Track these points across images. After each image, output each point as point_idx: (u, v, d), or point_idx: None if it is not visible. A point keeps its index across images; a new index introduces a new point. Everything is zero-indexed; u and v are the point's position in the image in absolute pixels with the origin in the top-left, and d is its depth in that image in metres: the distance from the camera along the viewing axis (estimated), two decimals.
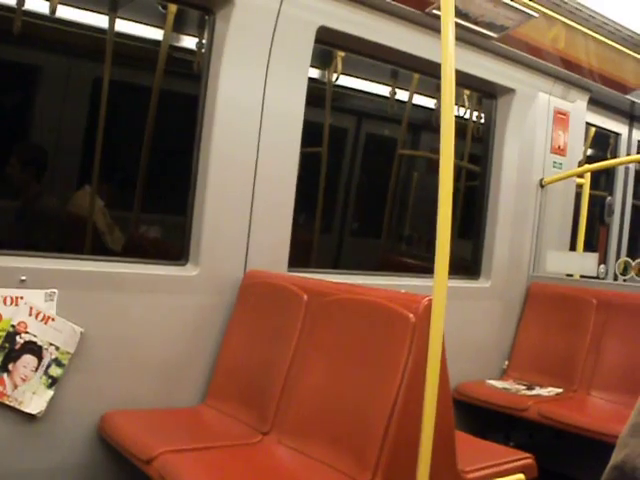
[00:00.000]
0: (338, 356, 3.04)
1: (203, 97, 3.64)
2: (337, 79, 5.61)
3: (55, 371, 3.22)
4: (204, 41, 4.45)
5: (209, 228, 3.58)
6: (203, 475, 2.71)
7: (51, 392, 3.22)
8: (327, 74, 5.75)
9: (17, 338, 3.15)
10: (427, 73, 4.90)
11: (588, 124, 5.73)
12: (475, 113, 6.02)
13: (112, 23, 4.78)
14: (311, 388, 3.06)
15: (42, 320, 3.20)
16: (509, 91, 4.83)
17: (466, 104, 5.84)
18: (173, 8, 4.65)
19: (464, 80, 4.32)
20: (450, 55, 2.54)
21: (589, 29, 4.75)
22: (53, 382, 3.22)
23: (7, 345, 3.13)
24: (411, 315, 2.79)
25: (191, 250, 3.61)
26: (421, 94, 6.50)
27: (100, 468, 3.38)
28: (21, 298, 3.15)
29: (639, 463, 1.33)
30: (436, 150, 6.78)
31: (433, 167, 7.05)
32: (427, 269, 4.31)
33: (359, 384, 2.88)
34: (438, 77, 2.60)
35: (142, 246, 5.40)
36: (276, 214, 3.77)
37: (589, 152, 6.53)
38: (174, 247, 4.17)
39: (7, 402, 3.13)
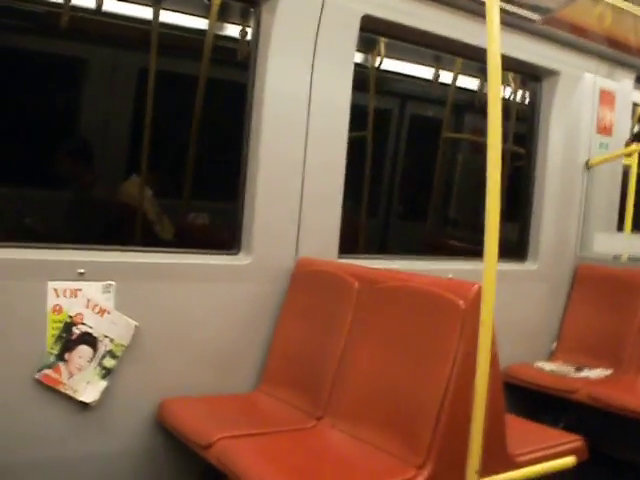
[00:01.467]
0: (390, 342, 3.07)
1: (251, 87, 3.68)
2: (381, 63, 5.62)
3: (109, 362, 3.30)
4: (247, 29, 4.51)
5: (260, 217, 3.63)
6: (261, 460, 2.76)
7: (105, 382, 3.30)
8: (370, 58, 5.76)
9: (74, 329, 3.24)
10: (471, 57, 4.89)
11: (635, 104, 5.65)
12: (519, 93, 5.99)
13: (157, 14, 4.84)
14: (363, 373, 3.10)
15: (98, 312, 3.28)
16: (554, 73, 4.79)
17: (511, 85, 5.81)
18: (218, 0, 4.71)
19: (508, 63, 4.29)
20: (495, 40, 2.54)
21: (636, 5, 4.68)
22: (107, 373, 3.30)
23: (64, 335, 3.22)
24: (461, 302, 2.82)
25: (243, 239, 3.66)
26: (464, 74, 6.46)
27: (158, 454, 3.46)
28: (79, 290, 3.25)
29: None
30: (479, 131, 6.73)
31: (477, 148, 7.02)
32: (473, 252, 4.32)
33: (411, 370, 2.92)
34: (482, 61, 2.61)
35: (191, 234, 5.48)
36: (326, 201, 3.81)
37: (636, 131, 6.43)
38: (224, 235, 4.23)
39: (63, 390, 3.22)
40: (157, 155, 5.17)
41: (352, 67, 3.86)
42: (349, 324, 3.26)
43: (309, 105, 3.71)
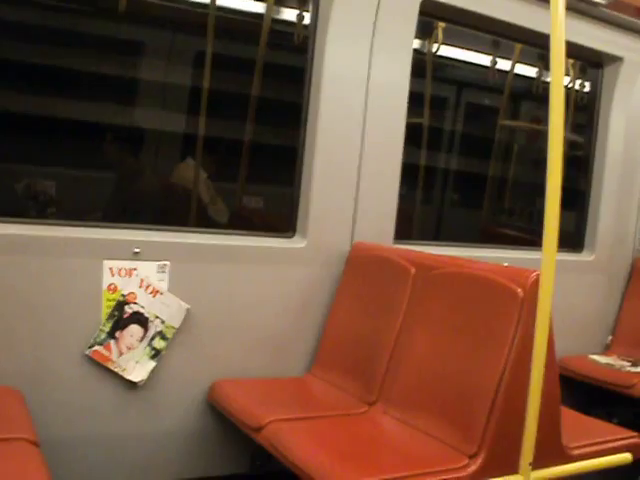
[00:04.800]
0: (445, 329, 3.04)
1: (309, 71, 3.67)
2: (438, 49, 5.55)
3: (159, 343, 3.34)
4: (304, 13, 4.49)
5: (317, 200, 3.63)
6: (312, 444, 2.75)
7: (153, 363, 3.33)
8: (427, 44, 5.69)
9: (126, 308, 3.28)
10: (531, 43, 4.80)
11: None
12: (578, 81, 5.87)
13: None
14: (418, 360, 3.08)
15: (151, 293, 3.31)
16: (616, 59, 4.68)
17: (570, 73, 5.70)
18: None
19: (570, 49, 4.19)
20: (560, 25, 2.49)
21: None
22: (156, 354, 3.34)
23: (116, 313, 3.26)
24: (519, 290, 2.78)
25: (299, 222, 3.67)
26: (523, 61, 6.36)
27: (207, 435, 3.49)
28: (134, 270, 3.28)
29: None
30: (537, 119, 6.61)
31: (534, 137, 6.91)
32: (528, 241, 4.25)
33: (466, 357, 2.89)
34: (542, 47, 2.56)
35: (246, 218, 5.49)
36: (382, 186, 3.78)
37: None
38: (278, 219, 4.24)
39: (112, 367, 3.27)
40: (213, 138, 5.18)
41: (411, 51, 3.83)
42: (404, 309, 3.23)
43: (367, 89, 3.68)
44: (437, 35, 5.30)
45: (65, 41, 5.26)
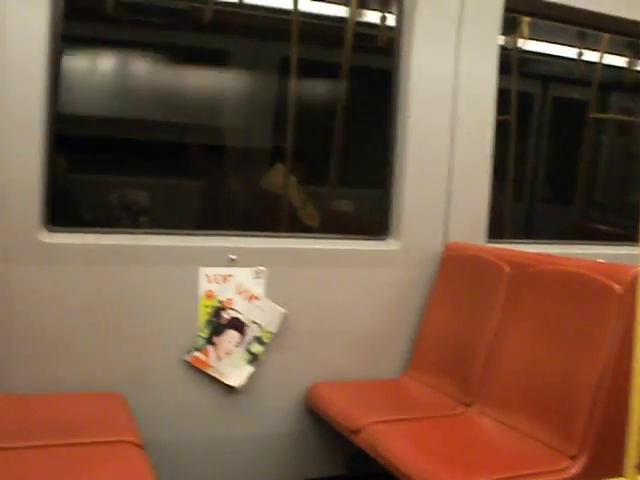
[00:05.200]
0: (542, 328, 2.99)
1: (396, 72, 3.67)
2: (524, 44, 5.49)
3: (256, 348, 3.39)
4: (387, 15, 4.49)
5: (409, 202, 3.63)
6: (411, 445, 2.75)
7: (251, 368, 3.39)
8: (513, 40, 5.63)
9: (223, 314, 3.34)
10: (621, 32, 4.68)
11: None
12: None
13: (296, 3, 4.89)
14: (514, 359, 3.04)
15: (247, 298, 3.37)
16: None
17: None
18: None
19: None
20: None
21: None
22: (254, 358, 3.39)
23: (214, 319, 3.33)
24: (617, 286, 2.71)
25: (391, 224, 3.67)
26: (610, 53, 6.22)
27: (305, 437, 3.53)
28: (230, 276, 3.34)
29: None
30: (628, 110, 6.42)
31: (625, 129, 6.72)
32: (622, 236, 4.15)
33: (564, 356, 2.83)
34: (633, 35, 2.49)
35: (336, 221, 5.52)
36: (474, 185, 3.76)
37: None
38: (369, 222, 4.25)
39: (210, 372, 3.34)
40: (301, 143, 5.22)
41: (497, 48, 3.79)
42: (500, 309, 3.19)
43: (455, 87, 3.67)
44: (522, 30, 5.24)
45: (151, 54, 5.39)
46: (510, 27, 5.32)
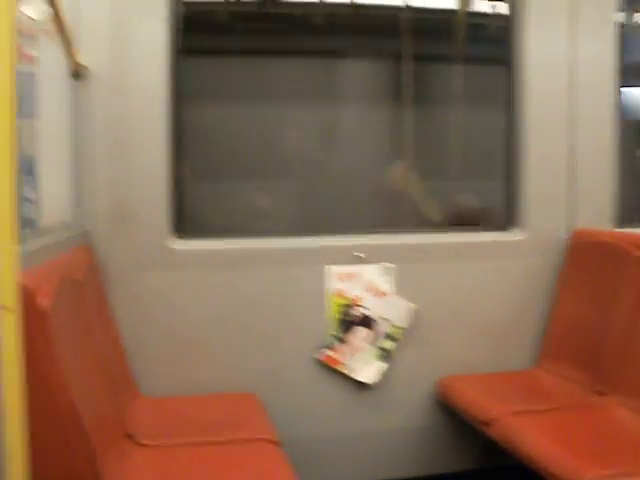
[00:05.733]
0: None
1: (512, 61, 3.65)
2: None
3: (387, 344, 3.43)
4: (495, 3, 4.43)
5: (532, 191, 3.60)
6: (544, 436, 2.71)
7: (382, 363, 3.43)
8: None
9: (352, 311, 3.40)
10: None
11: None
12: None
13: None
14: None
15: (376, 295, 3.41)
16: None
17: None
18: None
19: None
20: None
21: None
22: (385, 354, 3.43)
23: (344, 317, 3.39)
24: None
25: (515, 215, 3.65)
26: None
27: (437, 430, 3.55)
28: (358, 273, 3.40)
29: None
30: None
31: None
32: None
33: None
34: None
35: (459, 214, 5.47)
36: (598, 169, 3.66)
37: None
38: (492, 213, 4.21)
39: (341, 370, 3.40)
40: (420, 139, 5.21)
41: (613, 28, 3.69)
42: (632, 294, 3.09)
43: (571, 69, 3.61)
44: None
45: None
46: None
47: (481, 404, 3.10)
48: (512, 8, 3.67)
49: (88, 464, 1.94)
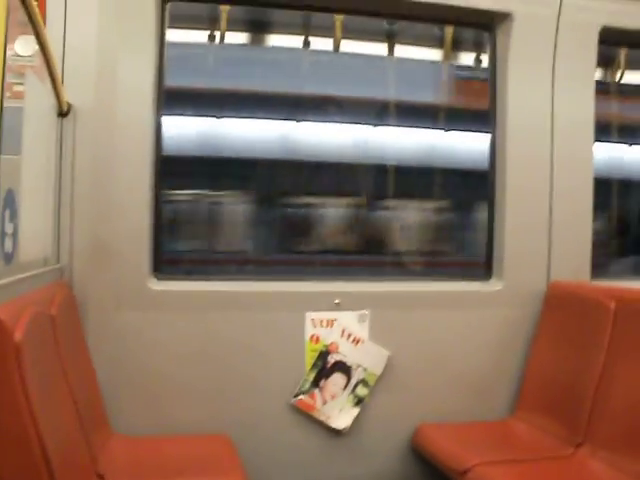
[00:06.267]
0: None
1: (493, 110, 3.71)
2: (621, 77, 5.39)
3: (362, 391, 3.42)
4: (480, 57, 4.51)
5: (511, 242, 3.62)
6: None
7: (357, 410, 3.42)
8: (610, 73, 5.53)
9: (329, 357, 3.40)
10: None
11: None
12: None
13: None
14: (625, 398, 2.95)
15: (352, 342, 3.41)
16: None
17: None
18: (450, 30, 4.74)
19: None
20: None
21: None
22: (359, 401, 3.42)
23: (319, 363, 3.39)
24: None
25: (494, 265, 3.68)
26: None
27: (413, 478, 3.51)
28: (335, 320, 3.40)
29: None
30: None
31: None
32: None
33: None
34: None
35: (438, 264, 5.51)
36: (575, 223, 3.70)
37: None
38: (469, 264, 4.24)
39: (316, 416, 3.39)
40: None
41: (593, 82, 3.76)
42: (606, 346, 3.11)
43: (552, 125, 3.66)
44: (620, 61, 5.15)
45: None
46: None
47: (456, 453, 3.08)
48: (493, 64, 3.73)
49: None
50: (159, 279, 3.31)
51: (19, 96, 2.48)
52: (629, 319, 3.08)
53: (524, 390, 3.54)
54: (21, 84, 2.51)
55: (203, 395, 3.31)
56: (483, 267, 3.74)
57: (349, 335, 3.40)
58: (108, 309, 3.20)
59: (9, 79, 2.28)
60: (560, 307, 3.52)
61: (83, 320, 3.15)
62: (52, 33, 2.88)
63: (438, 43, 5.01)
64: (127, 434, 3.14)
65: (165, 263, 3.46)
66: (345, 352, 3.42)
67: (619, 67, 4.93)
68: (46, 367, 2.24)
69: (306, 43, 4.83)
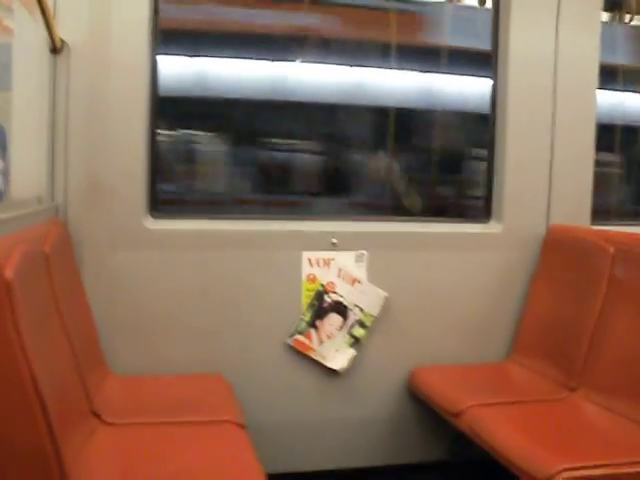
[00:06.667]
0: None
1: (495, 51, 3.65)
2: (631, 20, 5.29)
3: (358, 332, 3.43)
4: None
5: (510, 184, 3.60)
6: (513, 429, 2.72)
7: (353, 351, 3.43)
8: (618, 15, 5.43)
9: (325, 297, 3.39)
10: None
11: None
12: None
13: None
14: (620, 342, 2.96)
15: (349, 282, 3.40)
16: None
17: None
18: None
19: None
20: None
21: None
22: (356, 342, 3.43)
23: (316, 303, 3.39)
24: None
25: (494, 207, 3.65)
26: None
27: (408, 420, 3.54)
28: (332, 260, 3.39)
29: None
30: None
31: None
32: None
33: None
34: None
35: (439, 207, 5.47)
36: (576, 165, 3.67)
37: None
38: (471, 207, 4.21)
39: (313, 356, 3.40)
40: (402, 132, 5.20)
41: (599, 21, 3.69)
42: (604, 291, 3.11)
43: (555, 66, 3.60)
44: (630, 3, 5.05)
45: None
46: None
47: (450, 395, 3.10)
48: (497, 3, 3.66)
49: (48, 438, 1.91)
50: (155, 218, 3.29)
51: (9, 32, 2.43)
52: (628, 264, 3.07)
53: (521, 333, 3.55)
54: (10, 20, 2.45)
55: (199, 334, 3.31)
56: (483, 209, 3.73)
57: (346, 275, 3.40)
58: (104, 248, 3.19)
59: None
60: (559, 251, 3.50)
61: (79, 259, 3.14)
62: None
63: None
64: (123, 373, 3.15)
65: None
66: (342, 292, 3.41)
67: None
68: (39, 305, 2.23)
69: None
